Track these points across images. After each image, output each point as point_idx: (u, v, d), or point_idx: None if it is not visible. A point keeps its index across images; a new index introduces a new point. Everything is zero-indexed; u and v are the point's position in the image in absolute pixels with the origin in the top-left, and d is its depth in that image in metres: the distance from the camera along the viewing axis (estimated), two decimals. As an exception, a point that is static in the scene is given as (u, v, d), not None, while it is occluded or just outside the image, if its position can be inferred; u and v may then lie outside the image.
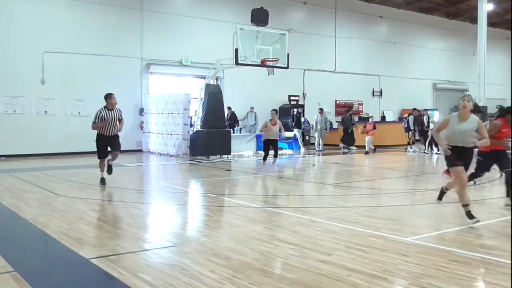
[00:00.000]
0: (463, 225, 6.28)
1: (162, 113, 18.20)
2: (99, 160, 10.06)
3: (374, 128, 19.52)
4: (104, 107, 9.85)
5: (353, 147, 20.29)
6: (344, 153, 19.57)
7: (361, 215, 6.98)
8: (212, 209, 8.01)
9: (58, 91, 18.02)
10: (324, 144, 20.66)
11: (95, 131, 9.97)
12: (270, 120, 12.88)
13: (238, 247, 5.21)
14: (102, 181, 10.00)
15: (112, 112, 9.78)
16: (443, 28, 29.84)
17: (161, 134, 18.30)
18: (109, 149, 10.00)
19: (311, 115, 22.19)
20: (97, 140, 9.96)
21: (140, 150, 19.41)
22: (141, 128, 19.68)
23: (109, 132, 9.81)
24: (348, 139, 20.33)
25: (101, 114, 9.72)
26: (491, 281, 4.20)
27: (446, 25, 29.98)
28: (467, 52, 29.47)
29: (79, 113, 18.50)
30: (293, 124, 21.28)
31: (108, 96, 9.92)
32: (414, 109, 20.77)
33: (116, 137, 9.97)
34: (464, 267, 4.51)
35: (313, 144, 21.81)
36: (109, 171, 10.08)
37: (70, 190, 9.49)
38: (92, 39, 18.69)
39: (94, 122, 9.73)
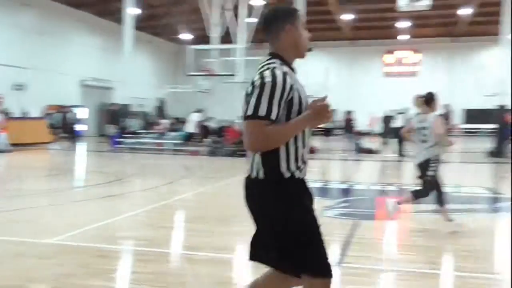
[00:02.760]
0: (103, 220, 6.36)
1: None
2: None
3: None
4: (281, 62, 2.45)
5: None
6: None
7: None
8: None
9: None
10: None
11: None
12: None
13: None
14: None
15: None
16: (93, 26, 30.04)
17: None
18: None
19: None
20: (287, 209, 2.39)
21: None
22: None
23: (305, 159, 2.49)
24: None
25: (287, 83, 2.34)
26: (145, 271, 4.38)
27: (96, 22, 30.28)
28: (114, 51, 30.50)
29: None
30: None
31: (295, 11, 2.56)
32: (62, 106, 20.11)
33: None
34: (109, 260, 4.60)
35: None
36: None
37: None
38: None
39: (264, 119, 2.29)
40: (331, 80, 31.59)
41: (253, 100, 2.29)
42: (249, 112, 2.29)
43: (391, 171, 13.86)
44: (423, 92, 6.21)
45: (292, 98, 2.35)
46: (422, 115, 6.05)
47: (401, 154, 15.48)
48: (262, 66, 2.42)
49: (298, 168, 2.42)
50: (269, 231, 2.43)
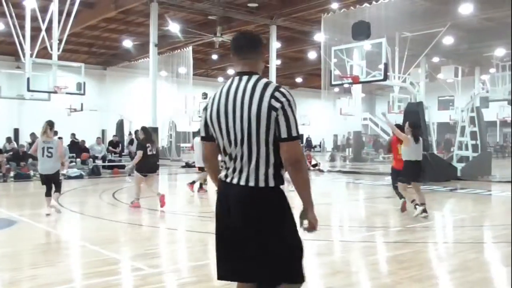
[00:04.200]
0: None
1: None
2: None
3: None
4: None
5: None
6: None
7: None
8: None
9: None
10: None
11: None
12: None
13: None
14: None
15: None
16: None
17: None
18: None
19: None
20: None
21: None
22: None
23: None
24: None
25: None
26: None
27: None
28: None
29: None
30: None
31: None
32: None
33: None
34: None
35: None
36: None
37: None
38: None
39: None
40: None
41: (292, 121, 2.49)
42: (295, 133, 2.49)
43: None
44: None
45: None
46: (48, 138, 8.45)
47: None
48: (268, 83, 2.56)
49: None
50: (274, 241, 2.51)
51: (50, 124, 8.52)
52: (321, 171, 20.19)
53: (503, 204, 10.84)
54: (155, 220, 9.07)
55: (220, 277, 2.69)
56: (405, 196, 8.73)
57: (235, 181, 2.57)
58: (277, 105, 2.46)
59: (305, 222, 2.65)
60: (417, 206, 8.47)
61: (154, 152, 9.67)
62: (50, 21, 16.23)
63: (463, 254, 6.09)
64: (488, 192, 12.90)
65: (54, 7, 16.15)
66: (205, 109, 2.72)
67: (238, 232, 2.55)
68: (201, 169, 12.18)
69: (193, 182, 12.18)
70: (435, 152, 16.97)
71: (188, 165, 21.88)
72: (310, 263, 5.70)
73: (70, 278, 5.06)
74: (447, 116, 34.75)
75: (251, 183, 2.53)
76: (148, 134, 9.73)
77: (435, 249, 6.58)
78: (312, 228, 2.65)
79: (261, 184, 2.52)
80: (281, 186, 2.59)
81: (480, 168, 16.61)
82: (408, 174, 8.60)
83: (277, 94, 2.49)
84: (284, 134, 2.47)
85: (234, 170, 2.59)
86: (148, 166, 9.52)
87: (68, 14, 16.13)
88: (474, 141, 17.01)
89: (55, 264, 5.51)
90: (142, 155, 9.32)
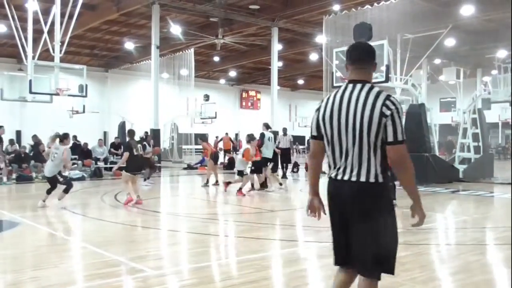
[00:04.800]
0: None
1: None
2: None
3: None
4: None
5: None
6: None
7: None
8: None
9: None
10: None
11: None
12: None
13: None
14: None
15: None
16: None
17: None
18: None
19: None
20: None
21: None
22: None
23: None
24: None
25: None
26: None
27: None
28: None
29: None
30: None
31: None
32: None
33: None
34: None
35: None
36: None
37: None
38: None
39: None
40: None
41: (399, 126, 2.75)
42: (400, 137, 2.76)
43: None
44: None
45: None
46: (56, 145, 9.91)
47: None
48: (380, 92, 2.80)
49: None
50: (378, 233, 2.84)
51: (54, 138, 10.49)
52: (322, 172, 20.07)
53: (505, 206, 10.81)
54: (156, 222, 9.08)
55: (336, 263, 3.06)
56: None
57: (346, 177, 2.87)
58: (388, 112, 2.74)
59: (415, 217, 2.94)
60: None
61: (139, 153, 10.68)
62: (52, 24, 16.26)
63: (465, 256, 6.08)
64: (490, 194, 12.86)
65: (56, 10, 16.16)
66: (317, 110, 2.98)
67: (351, 223, 2.85)
68: (240, 173, 12.29)
69: (240, 189, 12.14)
70: (437, 153, 16.94)
71: (190, 167, 21.90)
72: (312, 265, 5.70)
73: (71, 280, 5.07)
74: (449, 118, 34.72)
75: (362, 179, 2.82)
76: (133, 138, 10.84)
77: (437, 251, 6.58)
78: (420, 223, 2.99)
79: (372, 180, 2.82)
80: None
81: (482, 170, 16.58)
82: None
83: (387, 102, 2.76)
84: (390, 138, 2.75)
85: (345, 168, 2.88)
86: (135, 166, 10.50)
87: (70, 17, 16.15)
88: (476, 142, 16.99)
89: (57, 265, 5.53)
90: (128, 156, 10.21)
